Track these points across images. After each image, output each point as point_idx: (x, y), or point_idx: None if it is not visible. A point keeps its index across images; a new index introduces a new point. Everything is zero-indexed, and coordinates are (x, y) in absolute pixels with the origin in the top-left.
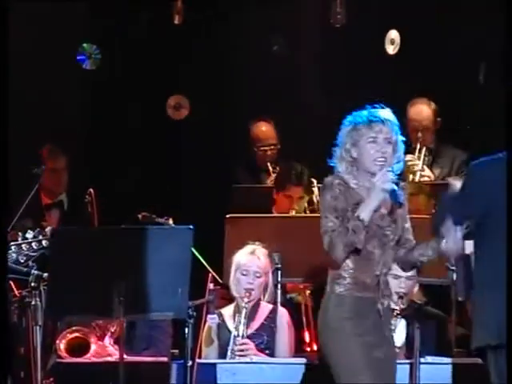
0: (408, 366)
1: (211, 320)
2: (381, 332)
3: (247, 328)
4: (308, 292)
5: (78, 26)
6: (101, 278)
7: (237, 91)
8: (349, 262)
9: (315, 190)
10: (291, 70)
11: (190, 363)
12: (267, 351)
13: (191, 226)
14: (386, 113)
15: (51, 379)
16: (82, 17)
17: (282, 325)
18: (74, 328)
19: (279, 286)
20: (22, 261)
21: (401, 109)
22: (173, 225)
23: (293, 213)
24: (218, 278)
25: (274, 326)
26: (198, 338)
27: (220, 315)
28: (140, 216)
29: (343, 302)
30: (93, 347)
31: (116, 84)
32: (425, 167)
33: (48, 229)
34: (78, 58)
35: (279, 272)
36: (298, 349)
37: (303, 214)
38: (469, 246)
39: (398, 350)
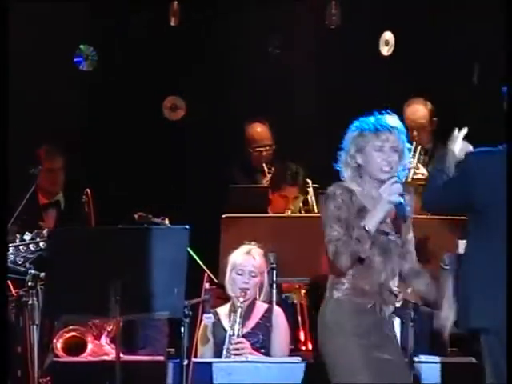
0: None
1: (207, 319)
2: (382, 332)
3: (242, 327)
4: (303, 292)
5: (77, 27)
6: (97, 277)
7: (232, 92)
8: None
9: (310, 190)
10: (286, 70)
11: (185, 362)
12: (262, 350)
13: (187, 226)
14: (393, 120)
15: (48, 378)
16: (82, 17)
17: (278, 324)
18: (70, 327)
19: (274, 285)
20: (20, 262)
21: (396, 109)
22: (169, 225)
23: (288, 213)
24: (213, 277)
25: (270, 325)
26: (193, 337)
27: (216, 314)
28: (136, 216)
29: (341, 306)
30: (89, 346)
31: (112, 85)
32: (419, 165)
33: (45, 231)
34: (74, 59)
35: (274, 272)
36: (294, 348)
37: (298, 214)
38: (462, 246)
39: None
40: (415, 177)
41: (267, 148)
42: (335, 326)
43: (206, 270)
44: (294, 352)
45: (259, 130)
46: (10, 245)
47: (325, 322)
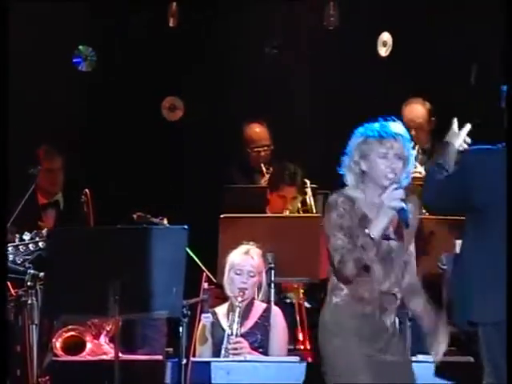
0: None
1: (205, 319)
2: (382, 335)
3: (241, 327)
4: (302, 291)
5: (77, 27)
6: (96, 277)
7: (231, 92)
8: None
9: (308, 190)
10: (284, 71)
11: (184, 361)
12: (261, 350)
13: (186, 226)
14: (398, 127)
15: (47, 377)
16: (82, 17)
17: (276, 323)
18: (69, 327)
19: (273, 285)
20: (19, 262)
21: (394, 110)
22: (167, 225)
23: (286, 213)
24: (212, 277)
25: (268, 325)
26: (192, 337)
27: (214, 314)
28: (135, 216)
29: (340, 312)
30: (88, 346)
31: (112, 85)
32: (417, 164)
33: (45, 230)
34: (73, 60)
35: (273, 271)
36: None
37: (297, 214)
38: (459, 246)
39: None
40: (413, 175)
41: (265, 148)
42: (335, 328)
43: (204, 269)
44: (292, 352)
45: (257, 130)
46: (10, 244)
47: (324, 324)
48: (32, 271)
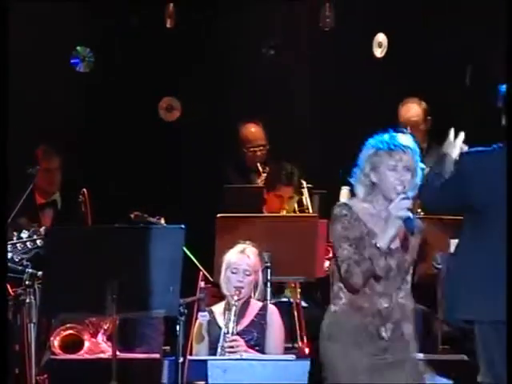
0: None
1: (202, 317)
2: (382, 341)
3: (237, 325)
4: (299, 290)
5: (77, 27)
6: (94, 276)
7: (227, 92)
8: None
9: (305, 191)
10: (281, 71)
11: (181, 360)
12: (257, 348)
13: (183, 226)
14: (406, 140)
15: (45, 376)
16: (82, 17)
17: (272, 322)
18: (67, 325)
19: (269, 284)
20: (17, 260)
21: (389, 111)
22: (164, 224)
23: (283, 212)
24: (208, 276)
25: (264, 323)
26: (189, 335)
27: (211, 312)
28: (132, 215)
29: (338, 319)
30: (86, 344)
31: (110, 86)
32: None
33: (42, 228)
34: (71, 60)
35: (269, 270)
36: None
37: (293, 214)
38: (454, 245)
39: None
40: None
41: (261, 148)
42: (333, 334)
43: (201, 268)
44: (289, 350)
45: (253, 130)
46: (8, 242)
47: (324, 331)
48: (30, 270)
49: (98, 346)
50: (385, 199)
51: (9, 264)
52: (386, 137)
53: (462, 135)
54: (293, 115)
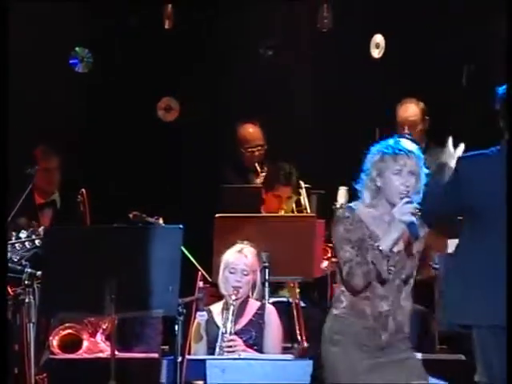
0: None
1: (200, 317)
2: (383, 344)
3: (235, 324)
4: (298, 290)
5: (77, 27)
6: (93, 276)
7: (225, 93)
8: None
9: (303, 191)
10: (280, 71)
11: (179, 359)
12: (255, 347)
13: (181, 226)
14: (410, 145)
15: (44, 375)
16: (82, 17)
17: (270, 321)
18: (66, 325)
19: (267, 284)
20: (16, 260)
21: (389, 111)
22: (163, 224)
23: (281, 212)
24: (207, 276)
25: (262, 323)
26: (187, 335)
27: (209, 312)
28: (131, 215)
29: (339, 322)
30: (85, 344)
31: (110, 86)
32: None
33: (41, 228)
34: (70, 61)
35: (267, 270)
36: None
37: (291, 214)
38: (452, 245)
39: None
40: None
41: (259, 148)
42: (334, 337)
43: (199, 268)
44: (288, 350)
45: (251, 130)
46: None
47: (325, 334)
48: (29, 270)
49: (97, 346)
50: (388, 203)
51: (8, 264)
52: (390, 142)
53: (461, 146)
54: (292, 115)
